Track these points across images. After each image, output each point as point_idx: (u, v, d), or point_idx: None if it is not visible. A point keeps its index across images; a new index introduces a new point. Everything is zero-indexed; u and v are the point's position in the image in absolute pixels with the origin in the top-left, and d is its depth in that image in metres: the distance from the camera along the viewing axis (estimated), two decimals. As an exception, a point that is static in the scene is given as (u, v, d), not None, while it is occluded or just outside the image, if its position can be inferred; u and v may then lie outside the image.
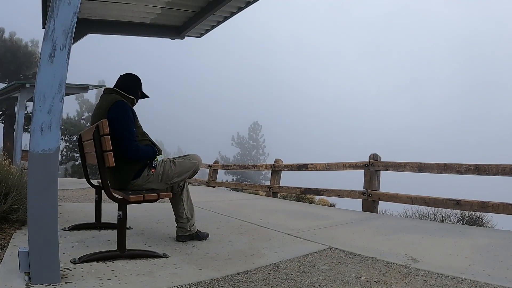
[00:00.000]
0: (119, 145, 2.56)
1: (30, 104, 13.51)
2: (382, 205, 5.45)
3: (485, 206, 4.21)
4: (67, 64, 1.97)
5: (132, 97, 2.91)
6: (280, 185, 7.35)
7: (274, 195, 7.32)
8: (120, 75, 2.95)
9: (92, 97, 22.68)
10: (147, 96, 3.08)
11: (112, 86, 2.91)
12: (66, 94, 8.58)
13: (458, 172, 4.56)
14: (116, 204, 2.44)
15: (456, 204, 4.44)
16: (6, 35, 17.35)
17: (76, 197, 5.38)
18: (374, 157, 5.50)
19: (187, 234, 3.00)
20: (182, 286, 2.02)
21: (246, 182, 20.60)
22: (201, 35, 5.84)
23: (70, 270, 2.12)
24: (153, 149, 2.80)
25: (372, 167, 5.42)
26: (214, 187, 9.67)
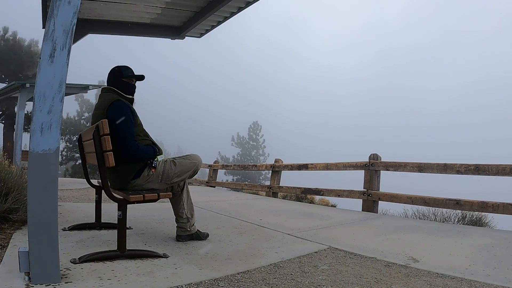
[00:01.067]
0: (119, 145, 2.56)
1: (30, 104, 13.50)
2: (382, 205, 5.45)
3: (485, 206, 4.21)
4: (67, 64, 1.97)
5: (131, 96, 2.89)
6: (280, 185, 7.35)
7: (274, 195, 7.32)
8: (108, 72, 2.89)
9: (92, 97, 22.69)
10: (141, 77, 2.92)
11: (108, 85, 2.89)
12: (66, 94, 8.58)
13: (458, 172, 4.56)
14: (116, 204, 2.44)
15: (456, 204, 4.44)
16: (7, 34, 17.35)
17: (76, 197, 5.38)
18: (374, 157, 5.50)
19: (187, 234, 3.00)
20: (182, 286, 2.02)
21: (246, 182, 20.60)
22: (201, 35, 5.84)
23: (70, 270, 2.12)
24: (153, 149, 2.80)
25: (372, 167, 5.42)
26: (214, 187, 9.67)
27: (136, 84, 2.94)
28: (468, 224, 4.76)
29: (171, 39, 5.89)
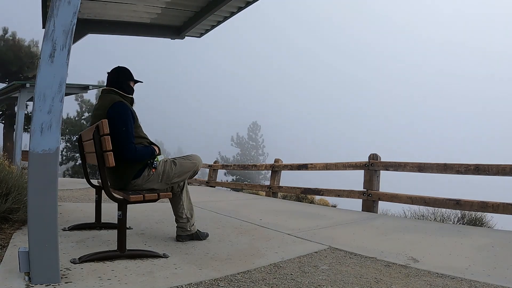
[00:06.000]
0: (118, 146, 2.56)
1: (30, 104, 13.51)
2: (382, 205, 5.45)
3: (485, 206, 4.20)
4: (67, 64, 1.97)
5: (131, 96, 2.90)
6: (280, 185, 7.35)
7: (274, 195, 7.32)
8: (108, 73, 2.89)
9: (92, 97, 22.63)
10: (140, 81, 3.02)
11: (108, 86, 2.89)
12: (66, 94, 8.56)
13: (458, 172, 4.56)
14: (116, 204, 2.44)
15: (456, 204, 4.44)
16: (7, 34, 17.33)
17: (76, 197, 5.38)
18: (373, 157, 5.50)
19: (187, 234, 3.00)
20: (182, 286, 2.02)
21: (246, 182, 20.59)
22: (201, 35, 5.83)
23: (70, 270, 2.12)
24: (151, 150, 2.79)
25: (372, 167, 5.42)
26: (214, 187, 9.67)
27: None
28: (468, 224, 4.76)
29: (171, 39, 5.89)
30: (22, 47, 17.22)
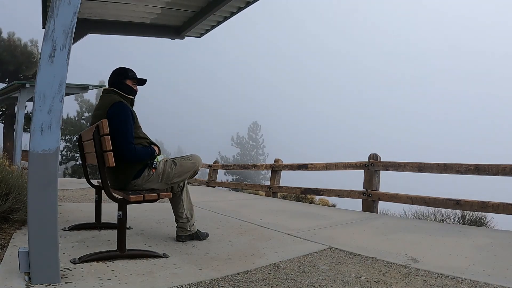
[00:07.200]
0: (117, 147, 2.56)
1: (30, 104, 13.50)
2: (382, 205, 5.45)
3: (485, 206, 4.20)
4: (67, 64, 1.97)
5: (132, 97, 2.90)
6: (280, 185, 7.35)
7: (274, 195, 7.32)
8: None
9: (92, 97, 22.63)
10: (143, 81, 2.97)
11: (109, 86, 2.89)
12: (66, 94, 8.55)
13: (458, 172, 4.56)
14: (116, 204, 2.44)
15: (456, 204, 4.44)
16: (5, 35, 17.31)
17: (76, 197, 5.38)
18: (373, 157, 5.50)
19: (187, 234, 3.00)
20: (182, 286, 2.02)
21: (246, 182, 20.58)
22: (201, 35, 5.84)
23: (70, 270, 2.12)
24: (151, 150, 2.79)
25: (372, 167, 5.42)
26: (214, 187, 9.67)
27: (138, 89, 2.96)
28: (468, 224, 4.77)
29: (171, 39, 5.89)
30: (18, 46, 17.19)
